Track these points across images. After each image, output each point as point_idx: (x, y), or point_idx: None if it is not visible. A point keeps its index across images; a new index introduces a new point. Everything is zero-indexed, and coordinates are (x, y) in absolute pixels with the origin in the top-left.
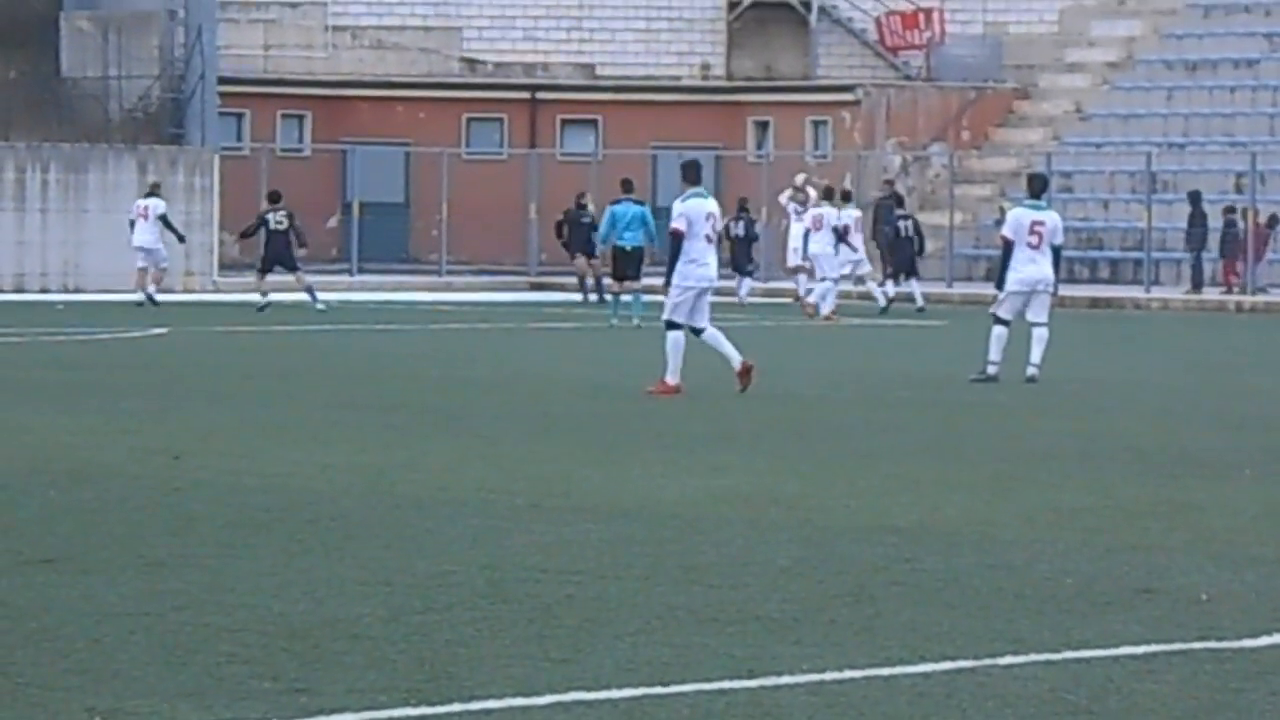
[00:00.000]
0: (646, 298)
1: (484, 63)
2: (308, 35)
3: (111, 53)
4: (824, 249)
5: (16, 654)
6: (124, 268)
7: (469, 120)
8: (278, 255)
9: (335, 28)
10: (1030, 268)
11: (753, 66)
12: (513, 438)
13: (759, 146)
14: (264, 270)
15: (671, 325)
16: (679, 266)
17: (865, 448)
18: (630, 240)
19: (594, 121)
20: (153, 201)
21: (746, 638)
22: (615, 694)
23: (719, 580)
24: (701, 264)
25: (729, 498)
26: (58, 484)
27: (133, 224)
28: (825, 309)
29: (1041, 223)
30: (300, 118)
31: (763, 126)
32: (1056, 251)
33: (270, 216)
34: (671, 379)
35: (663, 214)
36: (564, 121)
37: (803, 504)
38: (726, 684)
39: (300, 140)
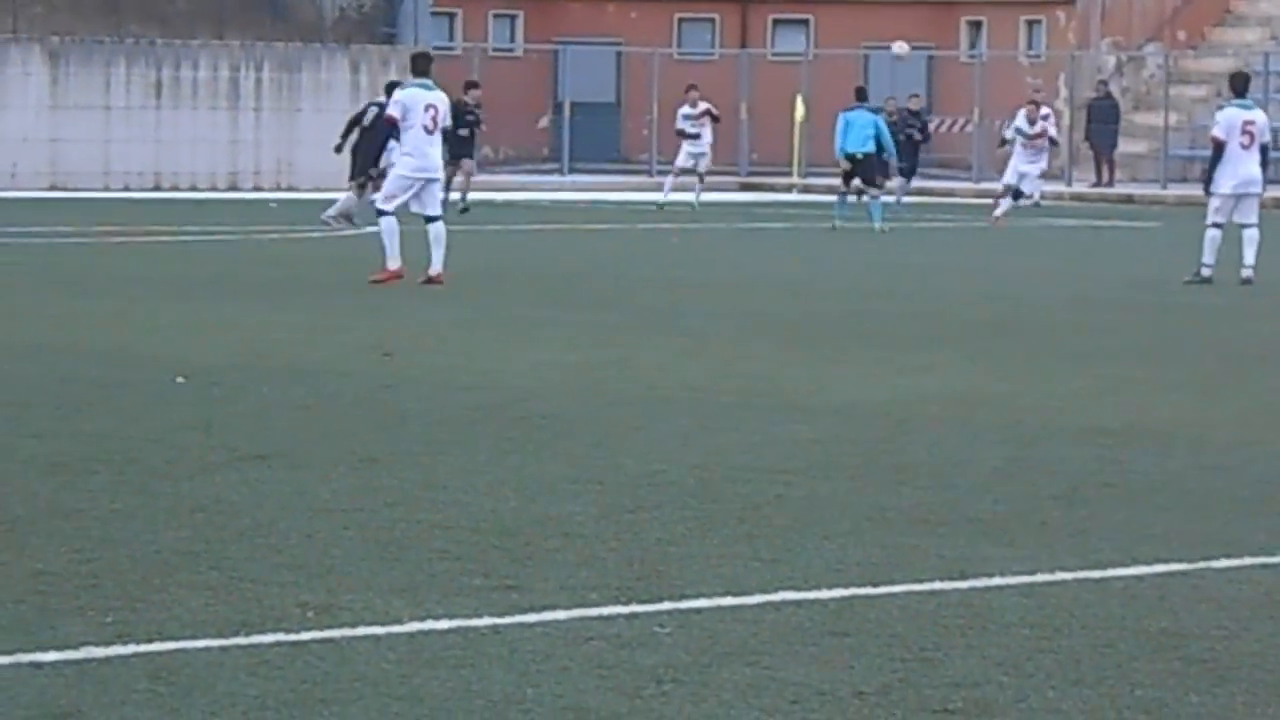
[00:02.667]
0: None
1: None
2: None
3: None
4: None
5: (231, 549)
6: (336, 167)
7: (680, 20)
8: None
9: None
10: (1243, 168)
11: None
12: (721, 337)
13: (972, 46)
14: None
15: (382, 213)
16: (397, 156)
17: (1076, 348)
18: (858, 147)
19: (805, 21)
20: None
21: (957, 539)
22: (825, 594)
23: (929, 481)
24: (419, 155)
25: (938, 397)
26: (271, 380)
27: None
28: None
29: (1253, 121)
30: (512, 17)
31: (975, 26)
32: (1265, 150)
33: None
34: (392, 264)
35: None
36: (775, 21)
37: (1013, 405)
38: (937, 585)
39: (512, 40)
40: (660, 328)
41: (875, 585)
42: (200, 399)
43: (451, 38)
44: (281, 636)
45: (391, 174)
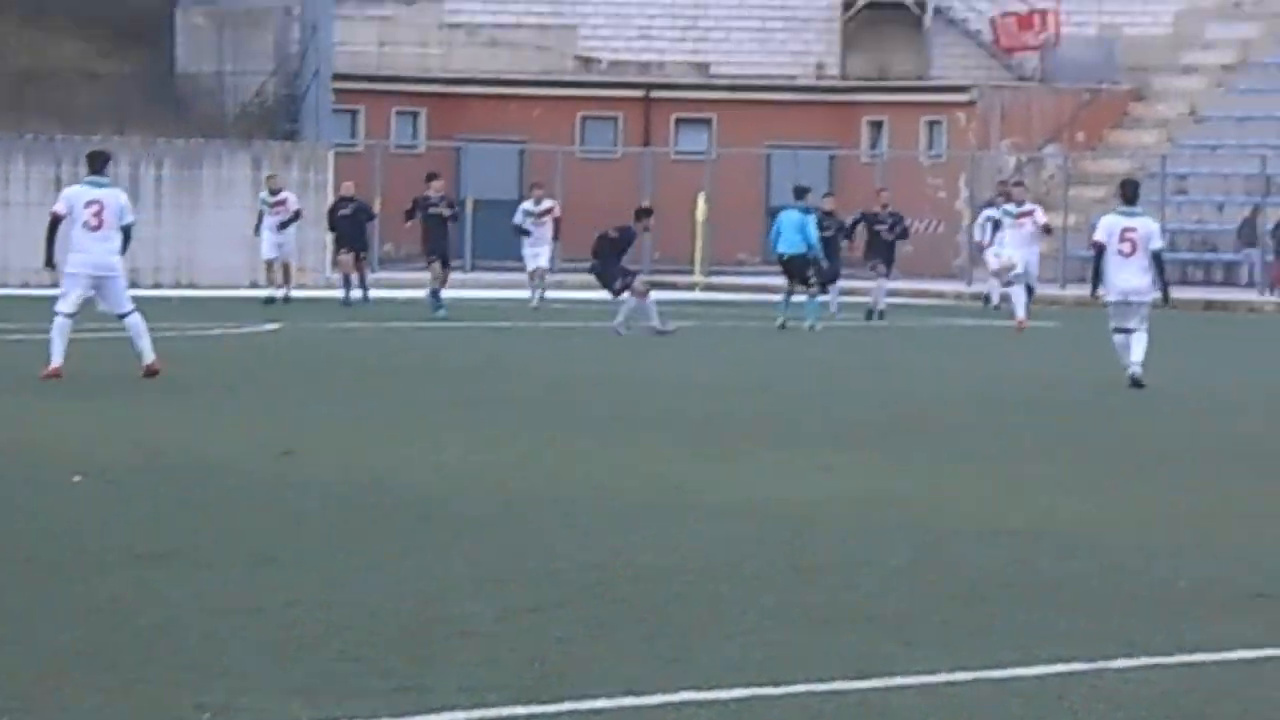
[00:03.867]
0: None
1: (599, 61)
2: (422, 32)
3: (226, 48)
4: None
5: (128, 649)
6: (237, 262)
7: (583, 118)
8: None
9: (450, 25)
10: (1122, 276)
11: (867, 66)
12: (624, 436)
13: (873, 146)
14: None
15: (57, 314)
16: (69, 255)
17: (979, 449)
18: (787, 249)
19: (708, 120)
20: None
21: (858, 638)
22: (725, 694)
23: (831, 580)
24: (83, 251)
25: (840, 497)
26: (170, 479)
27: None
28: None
29: (1133, 229)
30: (414, 114)
31: (877, 126)
32: (1156, 257)
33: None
34: (54, 362)
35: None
36: (678, 120)
37: (914, 505)
38: (838, 685)
39: (414, 137)
40: (563, 427)
41: (776, 685)
42: (98, 497)
43: (354, 134)
44: None
45: (64, 273)
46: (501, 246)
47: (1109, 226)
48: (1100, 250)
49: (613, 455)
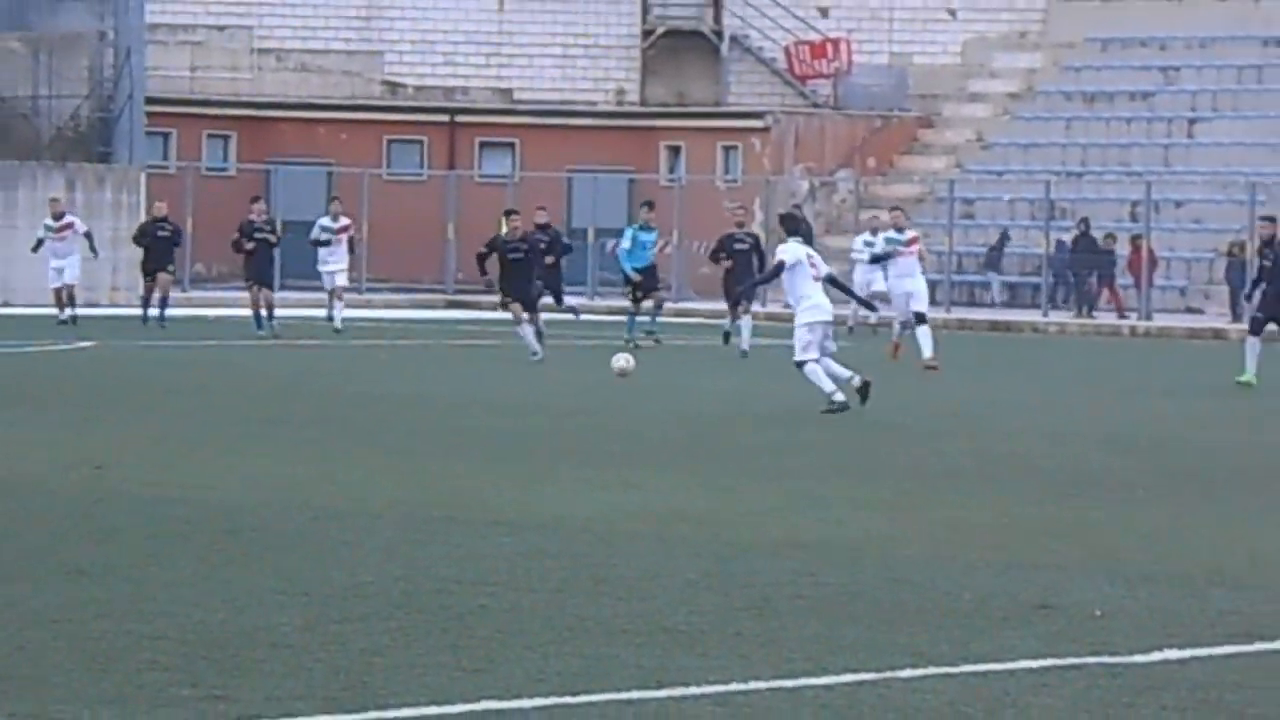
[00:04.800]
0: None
1: (405, 86)
2: (233, 57)
3: (42, 72)
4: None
5: None
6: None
7: (390, 142)
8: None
9: (260, 50)
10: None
11: (666, 93)
12: (427, 452)
13: (671, 170)
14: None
15: None
16: None
17: (771, 466)
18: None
19: (511, 144)
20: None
21: (655, 649)
22: (527, 703)
23: (628, 593)
24: None
25: (639, 513)
26: None
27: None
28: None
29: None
30: (225, 138)
31: (675, 151)
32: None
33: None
34: None
35: (578, 235)
36: (482, 144)
37: (710, 520)
38: (635, 694)
39: (225, 159)
40: (366, 443)
41: (575, 695)
42: None
43: (166, 156)
44: None
45: None
46: (311, 266)
47: (794, 253)
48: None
49: (418, 471)
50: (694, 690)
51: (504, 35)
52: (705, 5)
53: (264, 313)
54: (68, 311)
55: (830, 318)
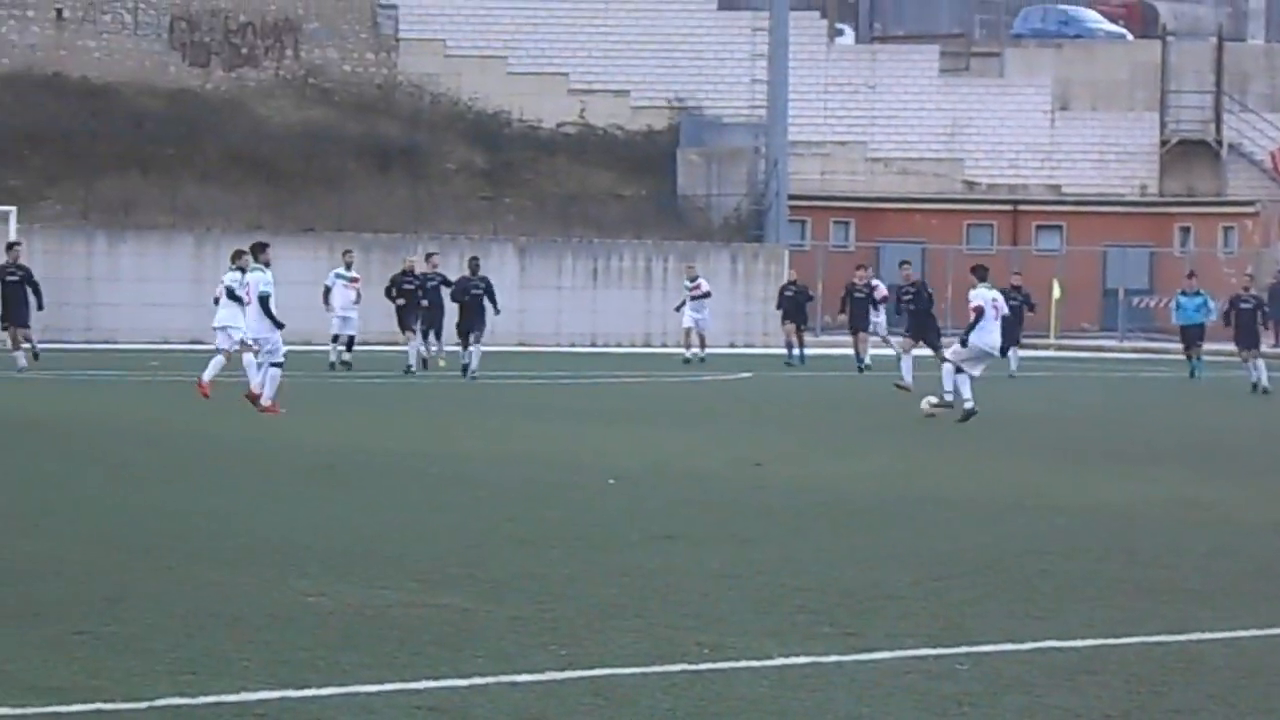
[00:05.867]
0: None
1: (979, 184)
2: (851, 165)
3: (712, 177)
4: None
5: (648, 602)
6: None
7: (968, 226)
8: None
9: (871, 159)
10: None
11: (1178, 186)
12: (1013, 454)
13: (1182, 245)
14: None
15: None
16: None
17: (1269, 467)
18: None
19: (1059, 227)
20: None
21: (1177, 605)
22: (1080, 643)
23: (1154, 561)
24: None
25: (1161, 501)
26: (675, 483)
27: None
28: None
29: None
30: (846, 224)
31: (1185, 231)
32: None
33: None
34: None
35: (1111, 295)
36: (1038, 227)
37: (1220, 505)
38: (1161, 638)
39: (845, 240)
40: (1008, 449)
41: (1117, 636)
42: (626, 495)
43: (803, 238)
44: (685, 666)
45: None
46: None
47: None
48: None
49: (998, 468)
50: (1207, 636)
51: (1054, 144)
52: (1209, 121)
53: (861, 350)
54: (693, 351)
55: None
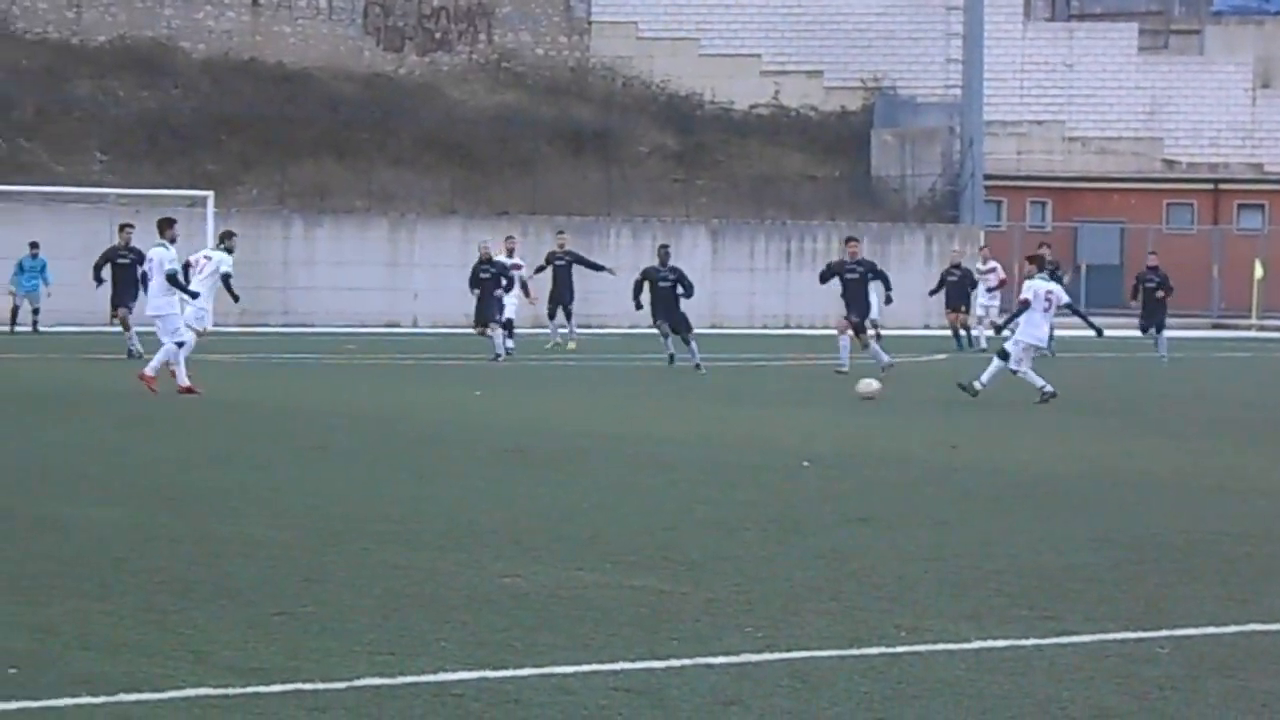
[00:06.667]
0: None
1: (1179, 163)
2: (1048, 144)
3: (906, 158)
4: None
5: (844, 585)
6: (915, 310)
7: (1168, 205)
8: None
9: (1069, 138)
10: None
11: None
12: (1201, 436)
13: None
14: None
15: None
16: None
17: None
18: None
19: (1261, 206)
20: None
21: None
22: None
23: None
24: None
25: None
26: (870, 465)
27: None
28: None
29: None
30: (1043, 204)
31: None
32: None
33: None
34: None
35: None
36: (1239, 206)
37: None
38: None
39: (1042, 220)
40: (1155, 430)
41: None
42: (819, 477)
43: (998, 218)
44: (882, 649)
45: None
46: (1106, 299)
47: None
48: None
49: (1192, 450)
50: None
51: (1256, 123)
52: None
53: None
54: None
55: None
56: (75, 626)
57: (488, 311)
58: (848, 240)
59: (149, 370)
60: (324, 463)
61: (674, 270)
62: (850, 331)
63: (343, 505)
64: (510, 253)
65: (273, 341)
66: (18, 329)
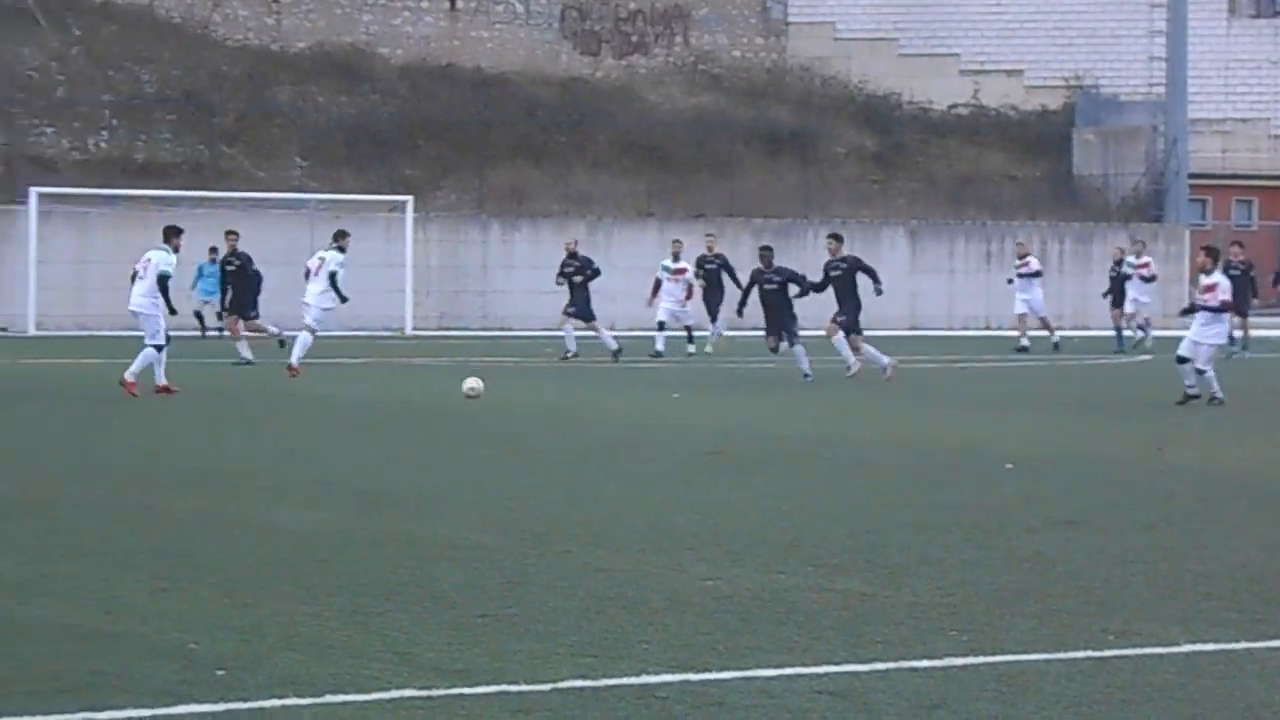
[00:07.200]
0: None
1: None
2: (1254, 142)
3: (1109, 156)
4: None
5: (1050, 589)
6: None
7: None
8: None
9: (1275, 136)
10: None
11: None
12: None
13: None
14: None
15: None
16: None
17: None
18: None
19: None
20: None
21: None
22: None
23: None
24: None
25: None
26: (1074, 467)
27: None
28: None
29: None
30: (1249, 203)
31: None
32: None
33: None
34: None
35: None
36: None
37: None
38: None
39: (1249, 219)
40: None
41: None
42: (1023, 479)
43: (1203, 217)
44: (1090, 653)
45: None
46: None
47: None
48: None
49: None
50: None
51: None
52: None
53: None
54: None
55: None
56: (281, 628)
57: (579, 304)
58: (830, 237)
59: (128, 375)
60: (523, 465)
61: (779, 271)
62: (840, 333)
63: (544, 507)
64: (676, 257)
65: (472, 346)
66: (208, 333)
